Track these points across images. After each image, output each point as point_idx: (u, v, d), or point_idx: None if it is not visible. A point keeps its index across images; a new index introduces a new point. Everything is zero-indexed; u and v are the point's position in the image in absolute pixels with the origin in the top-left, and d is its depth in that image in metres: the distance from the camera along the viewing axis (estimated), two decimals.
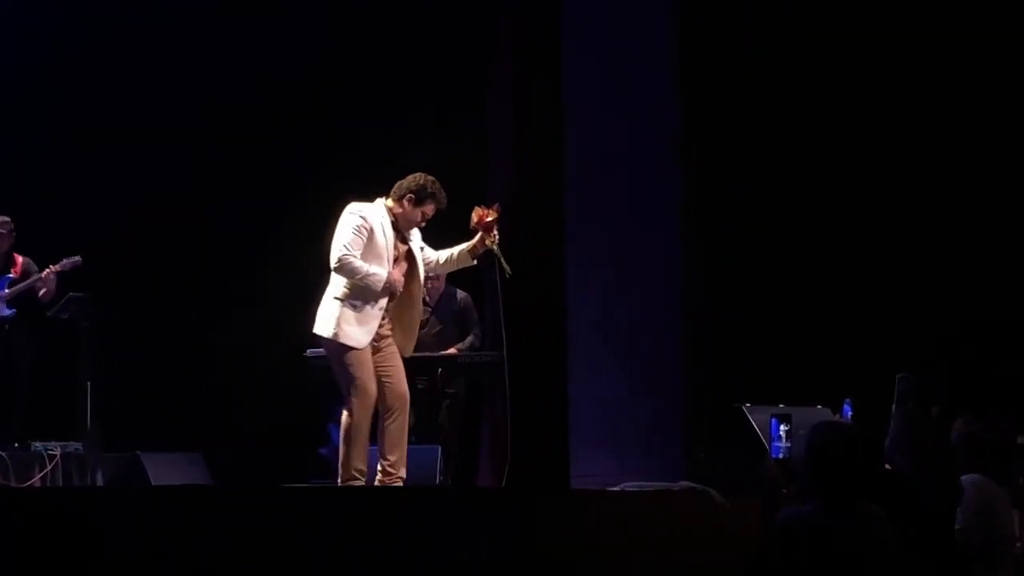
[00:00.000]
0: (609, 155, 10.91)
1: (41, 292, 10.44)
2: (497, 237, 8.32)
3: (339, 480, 8.08)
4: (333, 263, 8.04)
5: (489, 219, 8.28)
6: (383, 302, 8.10)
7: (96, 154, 11.83)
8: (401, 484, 8.10)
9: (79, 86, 11.95)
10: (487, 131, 11.47)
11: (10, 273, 10.52)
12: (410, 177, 8.25)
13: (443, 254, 8.46)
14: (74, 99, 11.92)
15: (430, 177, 8.24)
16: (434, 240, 8.56)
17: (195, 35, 11.94)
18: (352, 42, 11.86)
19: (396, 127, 11.38)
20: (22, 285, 10.46)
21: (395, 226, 8.19)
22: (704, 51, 10.75)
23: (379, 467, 8.16)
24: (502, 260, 8.36)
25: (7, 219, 10.55)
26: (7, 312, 10.45)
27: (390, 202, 8.21)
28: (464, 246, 8.40)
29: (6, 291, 10.44)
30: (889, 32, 10.60)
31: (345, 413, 8.09)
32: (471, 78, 11.46)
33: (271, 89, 11.87)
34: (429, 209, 8.22)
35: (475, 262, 8.50)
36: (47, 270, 10.42)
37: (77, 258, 10.53)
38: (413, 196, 8.18)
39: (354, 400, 8.05)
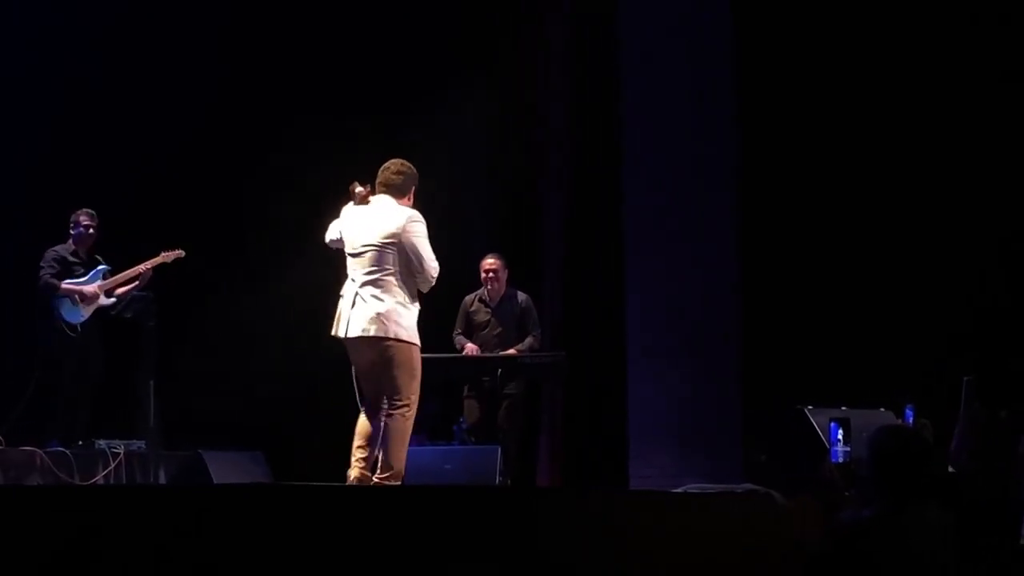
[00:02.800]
0: (669, 154, 10.92)
1: (133, 284, 10.53)
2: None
3: (394, 482, 8.00)
4: (434, 276, 7.99)
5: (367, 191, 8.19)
6: None
7: (115, 145, 11.94)
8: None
9: (134, 89, 12.07)
10: (542, 144, 11.50)
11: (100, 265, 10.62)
12: (400, 172, 8.13)
13: None
14: (105, 95, 12.03)
15: (408, 164, 8.18)
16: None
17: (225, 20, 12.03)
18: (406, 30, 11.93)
19: (441, 112, 11.44)
20: (123, 275, 10.54)
21: None
22: (761, 50, 10.75)
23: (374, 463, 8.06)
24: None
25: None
26: (108, 302, 10.53)
27: (398, 200, 8.08)
28: None
29: (101, 281, 10.51)
30: (947, 28, 10.55)
31: (403, 417, 7.96)
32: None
33: (293, 74, 11.96)
34: None
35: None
36: (144, 265, 10.51)
37: (180, 251, 10.62)
38: (416, 188, 8.17)
39: (415, 404, 7.99)
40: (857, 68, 10.70)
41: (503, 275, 10.60)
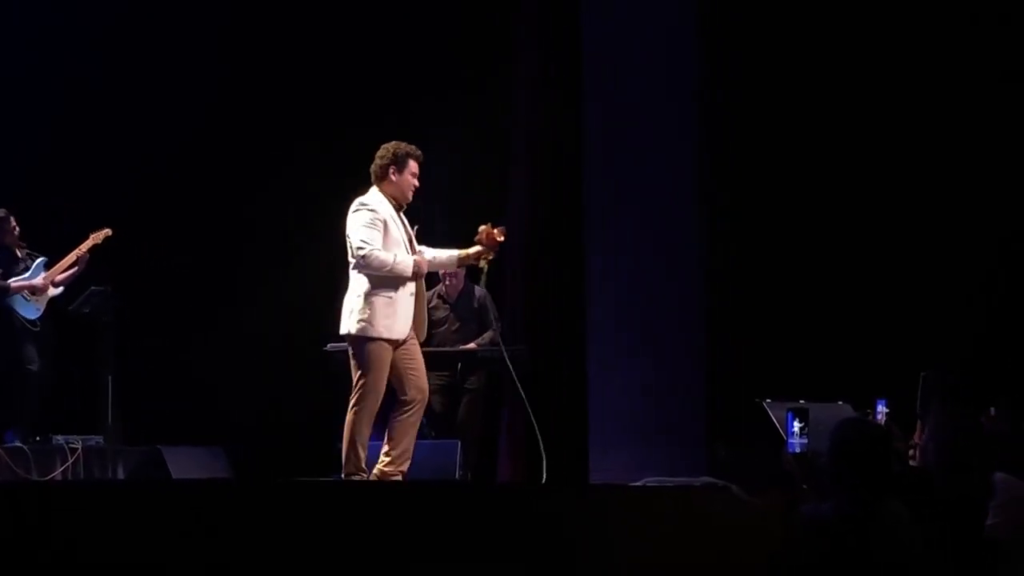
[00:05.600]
0: (630, 147, 10.89)
1: (74, 270, 10.49)
2: (493, 257, 8.27)
3: (343, 475, 7.95)
4: (356, 260, 7.95)
5: (499, 240, 8.19)
6: (412, 288, 8.02)
7: (115, 146, 11.86)
8: (400, 479, 7.94)
9: (106, 80, 11.99)
10: (508, 132, 11.48)
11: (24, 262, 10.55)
12: (378, 155, 8.15)
13: (428, 252, 8.30)
14: (105, 95, 11.95)
15: (392, 143, 8.17)
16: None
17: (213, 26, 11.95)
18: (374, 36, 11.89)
19: (421, 115, 11.40)
20: (63, 263, 10.49)
21: (397, 208, 8.13)
22: (726, 32, 10.74)
23: (381, 458, 7.98)
24: (485, 274, 8.42)
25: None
26: (56, 292, 10.49)
27: (380, 187, 8.11)
28: (455, 253, 8.30)
29: (44, 272, 10.47)
30: (923, 25, 10.55)
31: (352, 412, 7.91)
32: (490, 73, 11.48)
33: (292, 76, 11.90)
34: (415, 167, 8.15)
35: (457, 269, 8.40)
36: (80, 249, 10.47)
37: (107, 229, 10.58)
38: (395, 166, 8.10)
39: (367, 399, 7.90)
40: (848, 64, 10.65)
41: (460, 271, 10.57)
